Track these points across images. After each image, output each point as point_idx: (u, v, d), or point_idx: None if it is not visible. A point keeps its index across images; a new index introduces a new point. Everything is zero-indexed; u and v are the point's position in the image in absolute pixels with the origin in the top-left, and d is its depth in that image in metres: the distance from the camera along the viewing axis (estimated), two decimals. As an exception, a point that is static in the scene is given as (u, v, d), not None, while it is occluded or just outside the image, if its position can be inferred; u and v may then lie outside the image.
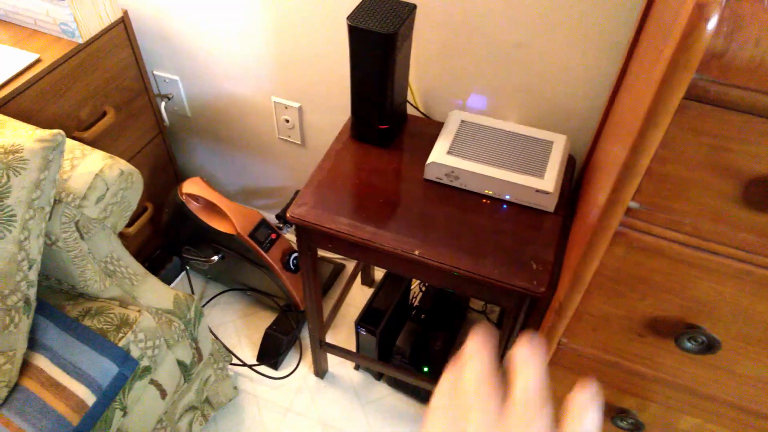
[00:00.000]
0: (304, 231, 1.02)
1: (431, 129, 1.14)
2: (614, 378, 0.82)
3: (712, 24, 0.43)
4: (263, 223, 1.40)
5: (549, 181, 0.97)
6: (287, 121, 1.42)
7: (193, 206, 1.39)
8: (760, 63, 0.44)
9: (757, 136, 0.49)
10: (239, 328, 1.55)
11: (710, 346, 0.68)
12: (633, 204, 0.59)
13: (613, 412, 0.88)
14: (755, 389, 0.72)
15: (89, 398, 0.90)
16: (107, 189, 0.94)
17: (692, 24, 0.43)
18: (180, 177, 1.58)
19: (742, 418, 0.77)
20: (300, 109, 1.38)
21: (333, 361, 1.49)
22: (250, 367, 1.47)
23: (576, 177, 1.13)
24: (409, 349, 1.28)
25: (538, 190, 0.96)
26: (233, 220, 1.36)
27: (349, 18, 0.93)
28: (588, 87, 1.06)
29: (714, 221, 0.57)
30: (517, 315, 0.95)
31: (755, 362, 0.69)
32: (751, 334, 0.66)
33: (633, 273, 0.66)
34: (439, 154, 1.01)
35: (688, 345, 0.69)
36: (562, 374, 0.86)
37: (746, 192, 0.53)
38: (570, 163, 1.08)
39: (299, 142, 1.46)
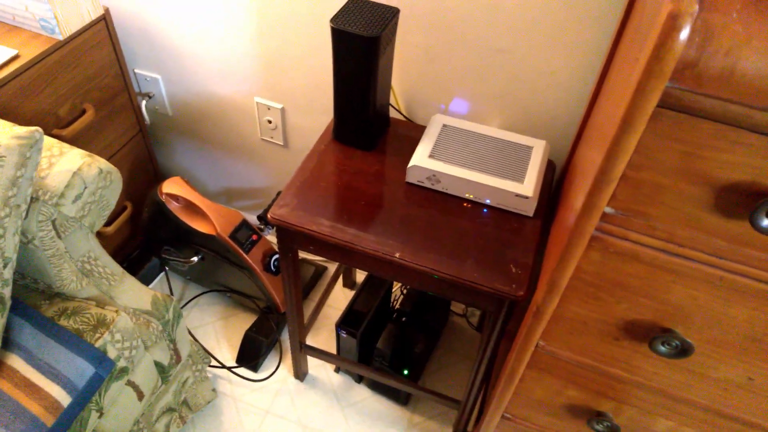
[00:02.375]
0: (285, 232, 1.02)
1: (413, 132, 1.14)
2: (591, 381, 0.83)
3: (684, 34, 0.44)
4: (244, 224, 1.40)
5: (528, 185, 0.98)
6: (270, 122, 1.41)
7: (173, 206, 1.38)
8: (731, 73, 0.45)
9: (728, 144, 0.50)
10: (218, 329, 1.54)
11: (684, 350, 0.69)
12: (608, 209, 0.60)
13: (589, 415, 0.89)
14: (727, 392, 0.73)
15: (64, 399, 0.89)
16: (85, 187, 0.93)
17: (665, 34, 0.44)
18: (160, 176, 1.57)
19: (715, 420, 0.78)
20: (283, 110, 1.38)
21: (313, 364, 1.48)
22: (229, 369, 1.46)
23: (555, 182, 1.14)
24: (389, 351, 1.29)
25: (517, 195, 0.97)
26: (213, 220, 1.35)
27: (332, 20, 0.93)
28: (568, 93, 1.07)
29: (687, 227, 0.58)
30: (496, 318, 0.96)
31: (727, 366, 0.70)
32: (723, 339, 0.67)
33: (609, 277, 0.67)
34: (421, 157, 1.02)
35: (662, 349, 0.70)
36: (539, 377, 0.87)
37: (718, 199, 0.54)
38: (549, 168, 1.09)
39: (282, 143, 1.46)
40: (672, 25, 0.43)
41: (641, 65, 0.47)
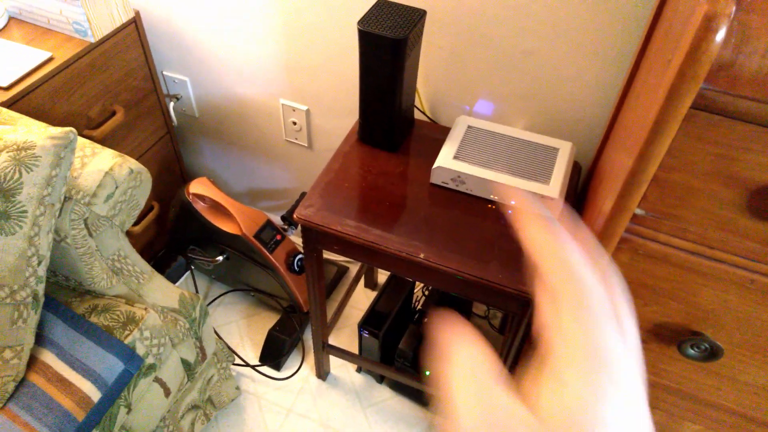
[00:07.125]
0: (310, 232, 1.03)
1: (438, 134, 1.15)
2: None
3: (720, 36, 0.44)
4: (268, 224, 1.41)
5: (554, 187, 0.97)
6: (295, 123, 1.43)
7: (200, 206, 1.40)
8: None
9: (762, 146, 0.49)
10: (242, 328, 1.56)
11: (713, 354, 0.69)
12: (639, 211, 0.60)
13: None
14: (757, 397, 0.72)
15: (95, 394, 0.91)
16: (116, 187, 0.95)
17: (701, 35, 0.44)
18: (187, 177, 1.60)
19: (743, 425, 0.77)
20: (308, 111, 1.39)
21: (335, 363, 1.49)
22: (252, 367, 1.48)
23: (581, 184, 1.13)
24: (411, 352, 1.29)
25: (543, 196, 0.97)
26: (239, 220, 1.37)
27: (359, 23, 0.94)
28: (594, 95, 1.07)
29: (719, 229, 0.58)
30: (521, 320, 0.96)
31: (757, 370, 0.69)
32: (753, 342, 0.66)
33: (637, 279, 0.66)
34: (446, 158, 1.02)
35: (691, 352, 0.70)
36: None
37: (750, 201, 0.54)
38: (575, 170, 1.09)
39: (306, 145, 1.47)
40: (708, 26, 0.43)
41: (675, 67, 0.47)
